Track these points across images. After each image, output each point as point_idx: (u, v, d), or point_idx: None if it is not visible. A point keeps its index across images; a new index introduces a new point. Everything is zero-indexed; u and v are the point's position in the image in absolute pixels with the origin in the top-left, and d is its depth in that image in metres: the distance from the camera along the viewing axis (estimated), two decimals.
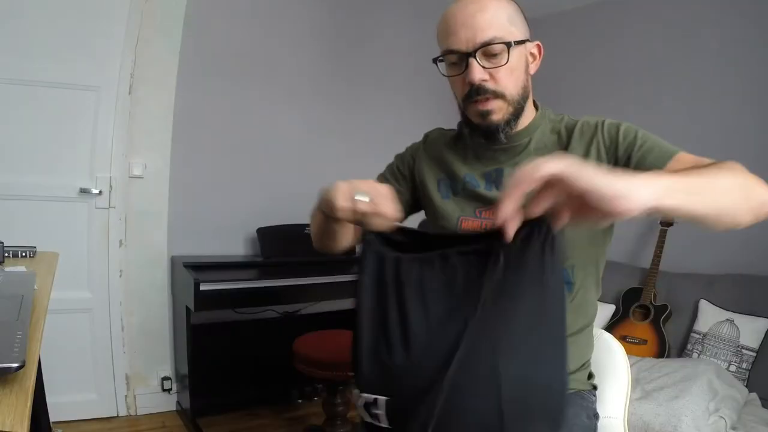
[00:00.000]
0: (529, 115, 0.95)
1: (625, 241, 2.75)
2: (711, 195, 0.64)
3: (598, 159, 0.89)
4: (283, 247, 2.55)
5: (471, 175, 0.98)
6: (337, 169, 2.97)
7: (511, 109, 0.89)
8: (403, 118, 3.17)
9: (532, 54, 0.92)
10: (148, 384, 2.42)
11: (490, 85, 0.87)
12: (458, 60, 0.88)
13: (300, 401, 2.56)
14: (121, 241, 2.31)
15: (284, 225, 2.61)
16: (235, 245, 2.65)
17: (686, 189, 0.61)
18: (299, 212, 2.74)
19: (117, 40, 2.23)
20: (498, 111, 0.89)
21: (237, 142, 2.63)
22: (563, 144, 0.93)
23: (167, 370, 2.46)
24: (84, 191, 2.20)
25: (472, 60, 0.85)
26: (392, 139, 3.21)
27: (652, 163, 0.83)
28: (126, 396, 2.35)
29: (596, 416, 0.97)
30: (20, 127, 2.08)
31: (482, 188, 0.96)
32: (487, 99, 0.88)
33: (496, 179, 0.96)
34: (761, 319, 2.14)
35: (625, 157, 0.87)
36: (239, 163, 2.63)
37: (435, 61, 0.92)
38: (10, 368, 0.54)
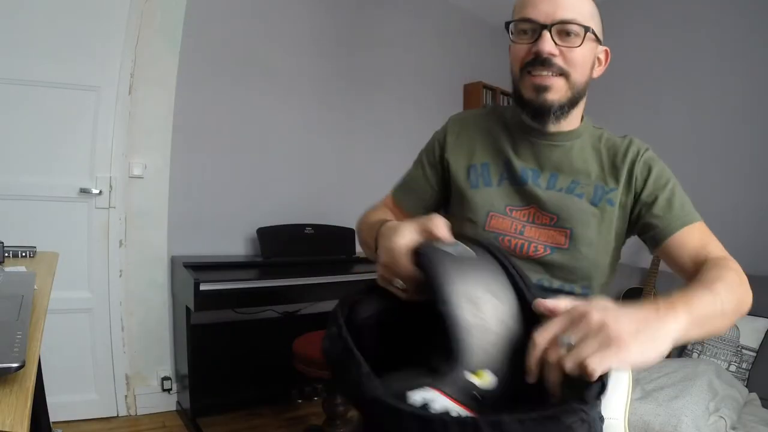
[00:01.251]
0: (576, 118, 0.93)
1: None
2: (715, 324, 0.70)
3: (629, 190, 0.90)
4: (283, 247, 2.55)
5: (514, 162, 0.93)
6: (338, 168, 2.98)
7: (569, 94, 0.87)
8: (403, 118, 3.17)
9: (599, 59, 0.91)
10: (148, 384, 2.42)
11: (558, 60, 0.84)
12: (531, 30, 0.85)
13: (300, 401, 2.55)
14: (121, 241, 2.31)
15: (284, 225, 2.61)
16: (235, 245, 2.65)
17: (699, 324, 0.65)
18: (299, 212, 2.74)
19: (117, 40, 2.23)
20: (556, 90, 0.85)
21: (237, 142, 2.63)
22: (606, 168, 0.92)
23: (167, 370, 2.46)
24: (84, 191, 2.20)
25: (545, 32, 0.83)
26: (392, 138, 3.23)
27: (673, 219, 0.87)
28: (126, 396, 2.35)
29: (601, 419, 0.96)
30: (20, 127, 2.08)
31: (530, 183, 0.92)
32: (549, 75, 0.85)
33: (533, 178, 0.92)
34: (761, 319, 2.15)
35: (649, 201, 0.89)
36: (239, 163, 2.63)
37: (507, 25, 0.89)
38: (10, 368, 0.54)
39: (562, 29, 0.83)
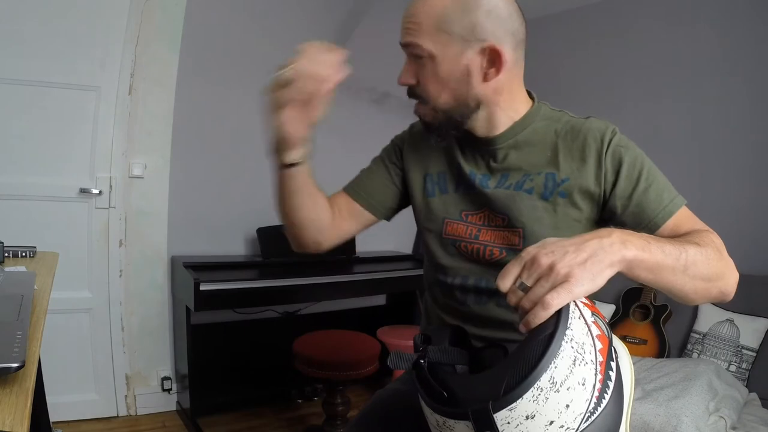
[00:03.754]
0: (504, 119, 0.87)
1: None
2: (673, 279, 0.68)
3: (598, 182, 0.83)
4: (283, 247, 2.53)
5: (464, 168, 0.92)
6: (338, 167, 2.97)
7: (439, 116, 0.84)
8: (403, 115, 3.17)
9: (490, 60, 0.80)
10: (148, 384, 2.41)
11: (416, 89, 0.84)
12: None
13: (300, 401, 2.56)
14: (121, 241, 2.31)
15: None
16: (235, 245, 2.64)
17: (651, 268, 0.64)
18: None
19: (117, 40, 2.23)
20: (425, 114, 0.86)
21: (237, 141, 2.63)
22: (562, 154, 0.85)
23: (167, 370, 2.46)
24: (84, 191, 2.20)
25: (406, 59, 0.83)
26: (392, 137, 3.21)
27: (650, 217, 0.81)
28: (126, 396, 2.35)
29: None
30: (20, 127, 2.08)
31: (477, 185, 0.89)
32: (416, 102, 0.85)
33: (483, 181, 0.89)
34: (761, 319, 2.14)
35: (624, 196, 0.82)
36: (239, 163, 2.63)
37: None
38: (10, 368, 0.54)
39: (411, 53, 0.81)
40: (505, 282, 0.60)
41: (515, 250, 0.85)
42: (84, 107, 2.19)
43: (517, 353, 0.56)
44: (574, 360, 0.53)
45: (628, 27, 2.93)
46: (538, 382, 0.52)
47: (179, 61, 2.39)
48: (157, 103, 2.36)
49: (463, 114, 0.84)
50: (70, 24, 2.12)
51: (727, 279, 0.74)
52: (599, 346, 0.56)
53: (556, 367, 0.52)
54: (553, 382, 0.52)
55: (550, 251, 0.58)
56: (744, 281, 2.47)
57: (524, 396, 0.52)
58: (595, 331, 0.57)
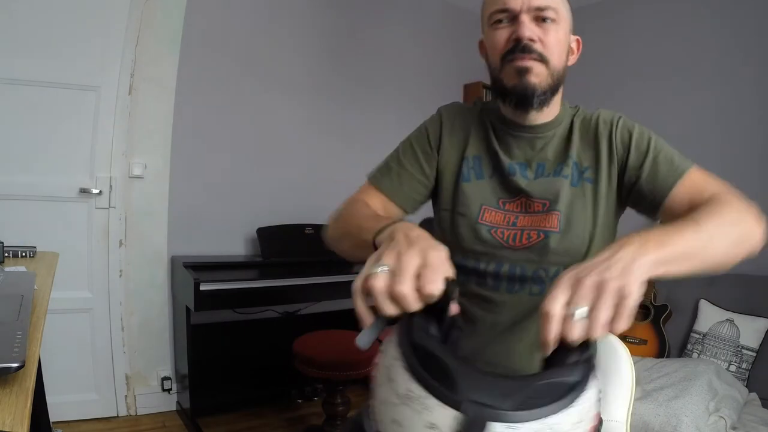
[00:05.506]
0: (556, 107, 0.94)
1: None
2: (704, 257, 0.67)
3: (611, 161, 0.90)
4: (283, 247, 2.55)
5: (501, 156, 0.94)
6: (338, 168, 2.98)
7: (549, 81, 0.87)
8: (403, 117, 3.17)
9: (571, 47, 0.92)
10: (148, 384, 2.41)
11: (537, 46, 0.85)
12: (507, 20, 0.86)
13: (300, 401, 2.56)
14: (121, 241, 2.31)
15: (284, 225, 2.61)
16: (235, 245, 2.65)
17: (680, 259, 0.64)
18: (299, 212, 2.74)
19: (117, 40, 2.23)
20: (537, 74, 0.85)
21: (237, 141, 2.63)
22: (581, 146, 0.92)
23: (167, 370, 2.46)
24: (84, 191, 2.20)
25: (524, 17, 0.84)
26: (393, 137, 3.21)
27: (663, 180, 0.85)
28: (126, 396, 2.35)
29: (601, 422, 0.95)
30: (20, 127, 2.08)
31: (517, 175, 0.92)
32: (530, 58, 0.85)
33: (521, 171, 0.92)
34: (761, 319, 2.14)
35: (636, 166, 0.88)
36: (239, 163, 2.63)
37: (489, 16, 0.89)
38: (10, 368, 0.54)
39: (539, 15, 0.84)
40: (555, 305, 0.55)
41: (553, 233, 0.88)
42: (84, 107, 2.19)
43: (540, 378, 0.54)
44: (579, 421, 0.53)
45: (627, 27, 2.93)
46: (545, 419, 0.51)
47: (179, 61, 2.39)
48: (157, 103, 2.36)
49: (559, 85, 0.90)
50: (69, 24, 2.12)
51: (756, 231, 0.74)
52: (593, 423, 0.56)
53: (565, 416, 0.52)
54: (554, 430, 0.51)
55: (587, 272, 0.56)
56: (744, 281, 2.48)
57: (529, 424, 0.51)
58: (597, 408, 0.57)
